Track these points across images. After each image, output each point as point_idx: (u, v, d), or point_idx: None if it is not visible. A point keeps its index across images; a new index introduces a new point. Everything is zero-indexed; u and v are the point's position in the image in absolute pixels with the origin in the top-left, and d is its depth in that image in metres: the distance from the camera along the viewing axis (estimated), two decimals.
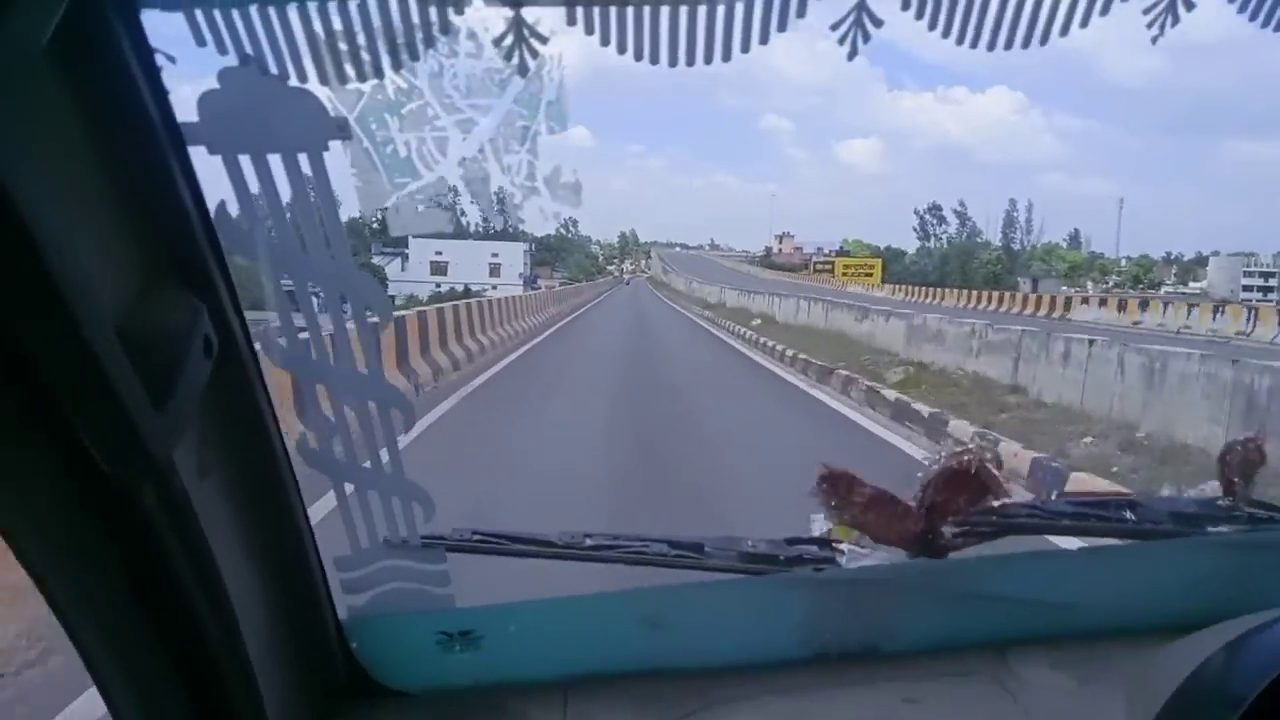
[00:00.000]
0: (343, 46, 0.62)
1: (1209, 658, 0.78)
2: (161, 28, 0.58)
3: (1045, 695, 0.94)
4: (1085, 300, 35.25)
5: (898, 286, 58.76)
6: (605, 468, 6.38)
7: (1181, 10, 0.68)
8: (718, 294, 40.55)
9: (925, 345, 12.42)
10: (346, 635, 0.96)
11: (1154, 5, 0.68)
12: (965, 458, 0.99)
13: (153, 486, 0.64)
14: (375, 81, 0.65)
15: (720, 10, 0.64)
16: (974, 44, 0.68)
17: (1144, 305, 29.31)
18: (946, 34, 0.67)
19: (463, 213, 0.79)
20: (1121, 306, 30.12)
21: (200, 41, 0.60)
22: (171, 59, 0.59)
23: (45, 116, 0.53)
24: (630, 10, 0.63)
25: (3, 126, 0.45)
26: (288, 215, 0.70)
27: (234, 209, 0.69)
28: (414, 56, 0.63)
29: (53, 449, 0.56)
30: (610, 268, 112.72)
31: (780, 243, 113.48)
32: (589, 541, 1.03)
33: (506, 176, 0.69)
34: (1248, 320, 24.28)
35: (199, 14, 0.60)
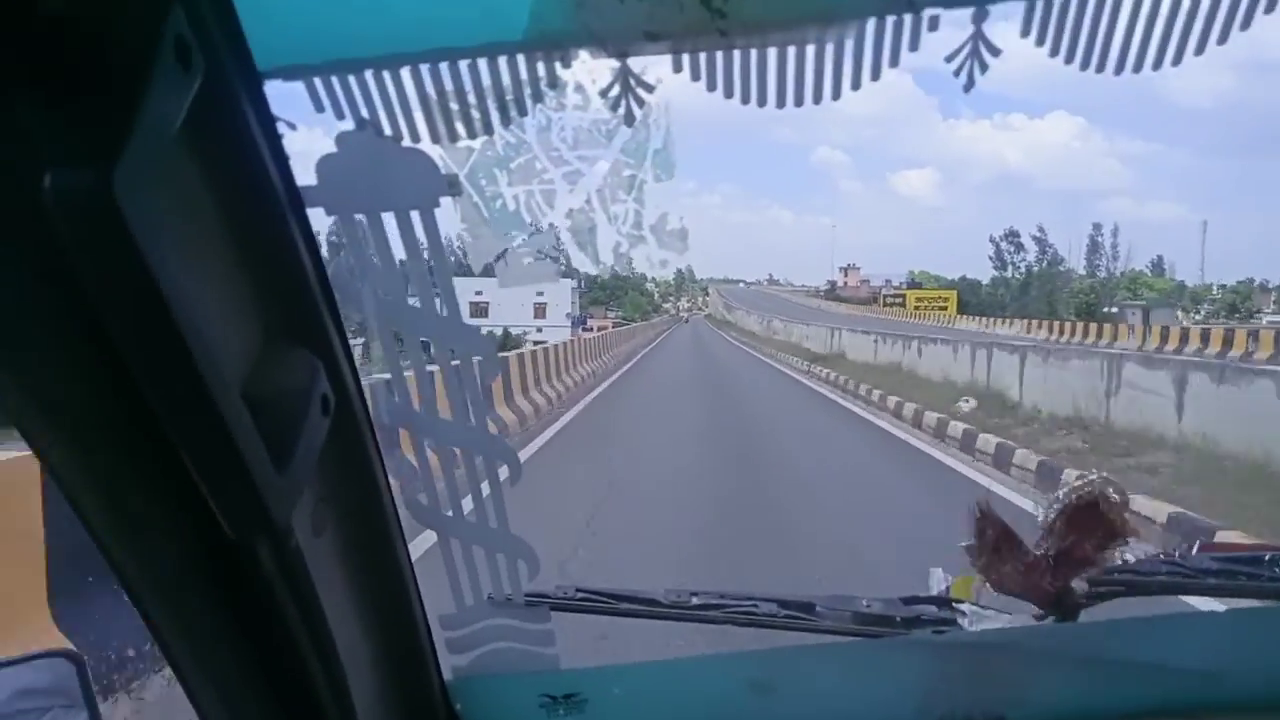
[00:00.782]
0: (454, 106, 0.63)
1: None
2: (283, 96, 0.60)
3: None
4: (1204, 334, 30.22)
5: (985, 319, 54.11)
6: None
7: None
8: (826, 339, 27.50)
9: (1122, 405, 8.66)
10: (451, 696, 0.95)
11: None
12: (1087, 490, 0.92)
13: (269, 544, 0.65)
14: (485, 138, 0.66)
15: (830, 49, 0.62)
16: (1100, 69, 0.64)
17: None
18: (1070, 61, 0.64)
19: (567, 260, 0.78)
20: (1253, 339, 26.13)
21: (319, 108, 0.62)
22: (292, 126, 0.61)
23: (178, 188, 0.55)
24: (737, 54, 0.62)
25: (141, 202, 0.47)
26: (400, 271, 0.72)
27: (349, 267, 0.71)
28: (522, 112, 0.64)
29: (180, 509, 0.57)
30: (666, 305, 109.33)
31: (845, 275, 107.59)
32: (695, 600, 0.99)
33: (613, 226, 0.69)
34: None
35: (318, 81, 0.62)
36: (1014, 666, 0.94)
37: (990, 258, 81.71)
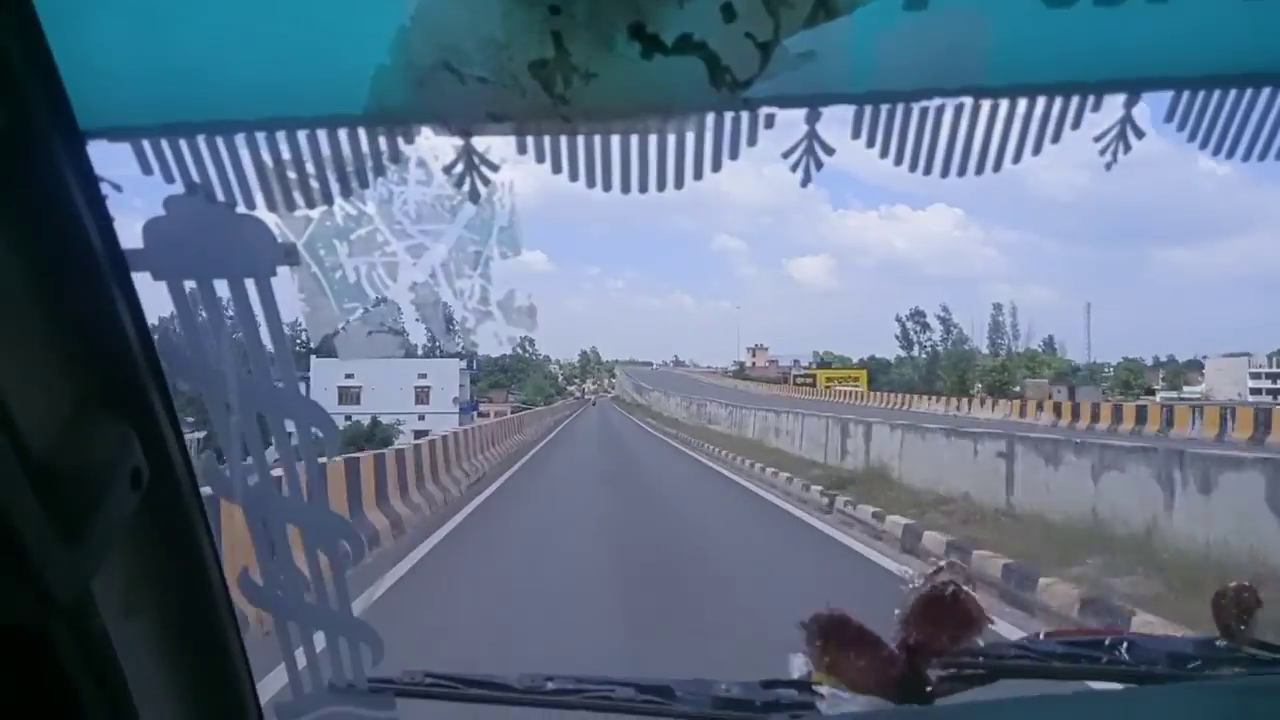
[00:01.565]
0: (291, 175, 0.62)
1: None
2: (108, 156, 0.58)
3: None
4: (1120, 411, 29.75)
5: (903, 395, 53.62)
6: None
7: (1132, 139, 0.69)
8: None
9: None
10: None
11: (1106, 134, 0.69)
12: (942, 581, 0.94)
13: (65, 625, 0.60)
14: (324, 208, 0.65)
15: (671, 140, 0.64)
16: (926, 171, 0.68)
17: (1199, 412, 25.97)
18: (899, 162, 0.68)
19: (407, 334, 0.76)
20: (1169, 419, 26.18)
21: (147, 170, 0.60)
22: (117, 187, 0.59)
23: None
24: (581, 140, 0.63)
25: None
26: (234, 340, 0.69)
27: (178, 335, 0.68)
28: (364, 184, 0.63)
29: None
30: (571, 388, 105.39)
31: (754, 355, 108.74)
32: (550, 685, 0.96)
33: (459, 301, 0.68)
34: None
35: (146, 143, 0.60)
36: None
37: (896, 336, 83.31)
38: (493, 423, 27.12)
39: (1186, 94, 0.69)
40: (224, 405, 0.71)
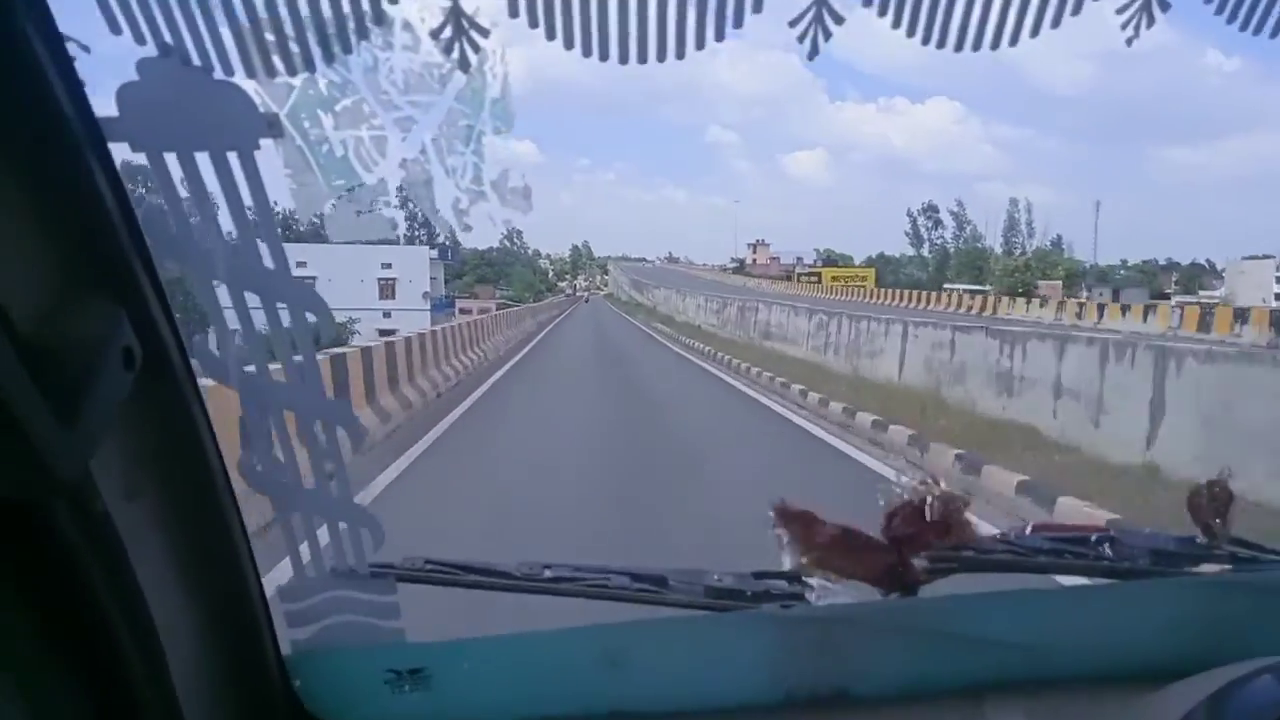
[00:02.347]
0: (269, 36, 0.58)
1: (1189, 713, 0.74)
2: (72, 12, 0.54)
3: None
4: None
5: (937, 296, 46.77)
6: None
7: (1157, 11, 0.65)
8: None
9: None
10: (289, 672, 0.91)
11: (1128, 5, 0.65)
12: (931, 496, 0.94)
13: (67, 508, 0.60)
14: (306, 75, 0.61)
15: (672, 4, 0.61)
16: (940, 44, 0.65)
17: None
18: (911, 33, 0.64)
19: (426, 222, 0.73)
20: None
21: (116, 29, 0.57)
22: (85, 48, 0.56)
23: None
24: (576, 2, 0.60)
25: None
26: (219, 217, 0.67)
27: (162, 210, 0.65)
28: (346, 49, 0.60)
29: None
30: (562, 284, 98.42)
31: (754, 252, 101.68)
32: (548, 573, 0.97)
33: (451, 180, 0.66)
34: None
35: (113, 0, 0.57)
36: (858, 641, 0.96)
37: (906, 233, 77.95)
38: (471, 322, 20.34)
39: None
40: (211, 285, 0.70)
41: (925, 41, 0.65)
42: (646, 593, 0.96)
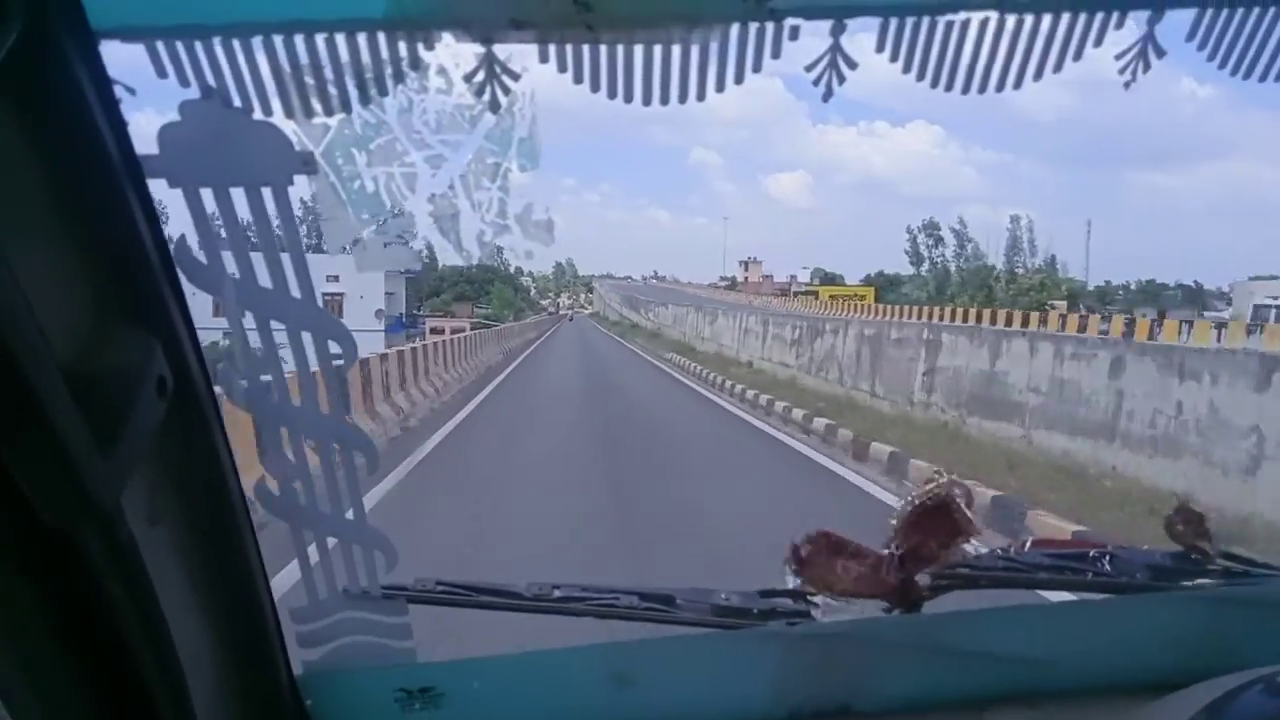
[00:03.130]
0: (309, 80, 0.60)
1: None
2: (121, 58, 0.56)
3: None
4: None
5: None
6: None
7: (1153, 56, 0.68)
8: None
9: None
10: (301, 691, 0.92)
11: (1127, 51, 0.68)
12: (935, 494, 0.97)
13: (97, 534, 0.61)
14: (342, 116, 0.64)
15: (695, 50, 0.63)
16: (949, 88, 0.68)
17: None
18: (921, 78, 0.67)
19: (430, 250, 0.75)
20: None
21: (161, 73, 0.59)
22: (131, 90, 0.57)
23: None
24: (604, 49, 0.62)
25: None
26: (250, 250, 0.68)
27: (194, 243, 0.67)
28: (383, 92, 0.62)
29: None
30: (545, 302, 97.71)
31: (746, 270, 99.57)
32: (557, 593, 0.99)
33: (477, 213, 0.68)
34: None
35: (160, 45, 0.59)
36: (862, 657, 0.99)
37: (905, 251, 75.20)
38: (439, 343, 16.89)
39: (1210, 11, 0.69)
40: (240, 316, 0.72)
41: (934, 85, 0.68)
42: (654, 611, 0.98)
